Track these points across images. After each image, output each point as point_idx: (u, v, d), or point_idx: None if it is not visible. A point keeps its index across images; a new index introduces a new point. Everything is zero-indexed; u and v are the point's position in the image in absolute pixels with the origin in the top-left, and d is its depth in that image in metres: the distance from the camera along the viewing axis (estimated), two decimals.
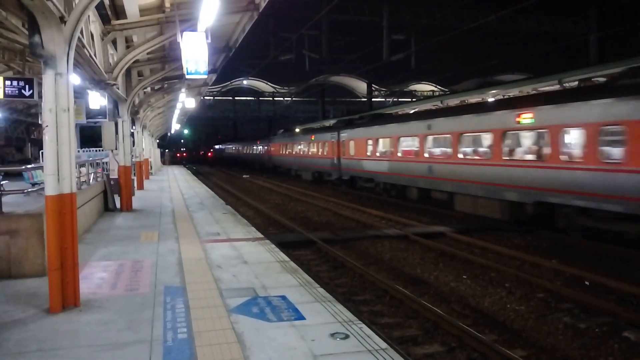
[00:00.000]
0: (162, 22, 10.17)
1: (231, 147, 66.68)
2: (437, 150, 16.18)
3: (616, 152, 9.92)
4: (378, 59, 32.34)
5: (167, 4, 9.76)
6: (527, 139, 12.74)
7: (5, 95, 10.69)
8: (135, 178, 17.99)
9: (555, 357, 5.45)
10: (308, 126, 40.30)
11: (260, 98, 67.90)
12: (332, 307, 5.33)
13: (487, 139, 13.55)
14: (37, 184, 11.79)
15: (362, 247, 10.89)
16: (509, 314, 6.72)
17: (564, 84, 16.86)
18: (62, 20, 5.06)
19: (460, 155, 14.39)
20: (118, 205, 13.83)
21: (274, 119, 66.32)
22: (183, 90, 17.65)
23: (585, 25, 31.40)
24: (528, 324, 6.38)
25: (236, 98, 68.39)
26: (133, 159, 16.70)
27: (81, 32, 7.55)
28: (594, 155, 10.10)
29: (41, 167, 10.68)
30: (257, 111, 69.09)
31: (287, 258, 7.72)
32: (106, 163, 15.89)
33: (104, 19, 10.18)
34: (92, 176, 13.59)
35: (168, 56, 13.57)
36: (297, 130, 37.58)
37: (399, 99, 59.87)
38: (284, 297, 5.65)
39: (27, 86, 10.75)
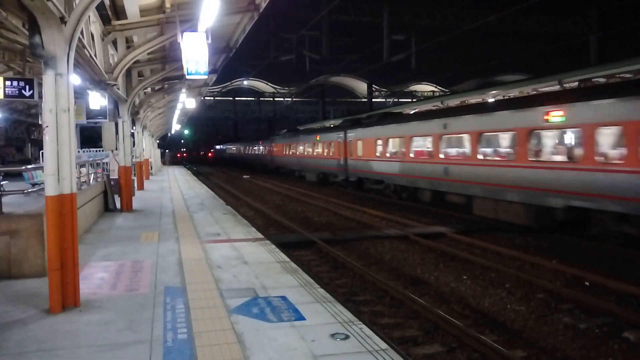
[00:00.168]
0: (162, 22, 10.17)
1: (232, 148, 65.70)
2: (454, 151, 15.31)
3: None
4: (378, 59, 32.39)
5: (168, 5, 9.77)
6: (557, 139, 11.79)
7: (5, 95, 10.71)
8: (135, 178, 18.00)
9: (555, 358, 5.45)
10: (312, 126, 39.58)
11: (261, 98, 67.99)
12: (332, 307, 5.33)
13: (511, 138, 12.71)
14: (37, 184, 11.80)
15: (362, 248, 10.88)
16: (509, 315, 6.72)
17: (564, 85, 16.87)
18: (63, 20, 5.06)
19: (480, 156, 13.51)
20: (118, 205, 13.83)
21: (274, 120, 66.37)
22: (183, 90, 17.66)
23: (585, 26, 31.42)
24: (528, 324, 6.38)
25: (236, 98, 68.50)
26: (133, 159, 16.71)
27: (81, 33, 7.55)
28: (636, 157, 9.32)
29: (41, 168, 10.69)
30: (257, 111, 69.19)
31: (287, 258, 7.72)
32: (106, 163, 15.90)
33: (105, 20, 10.19)
34: (92, 176, 13.60)
35: (168, 56, 13.58)
36: (301, 130, 36.81)
37: (400, 100, 59.91)
38: (284, 298, 5.65)
39: (27, 86, 10.77)
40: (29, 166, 14.02)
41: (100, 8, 9.50)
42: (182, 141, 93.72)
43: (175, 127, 45.20)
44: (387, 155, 19.15)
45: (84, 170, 12.50)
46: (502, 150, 13.36)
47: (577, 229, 11.29)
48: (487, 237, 11.62)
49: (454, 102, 22.52)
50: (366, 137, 21.12)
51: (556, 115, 11.07)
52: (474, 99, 21.23)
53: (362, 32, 40.30)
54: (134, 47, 10.76)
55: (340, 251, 10.33)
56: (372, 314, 6.74)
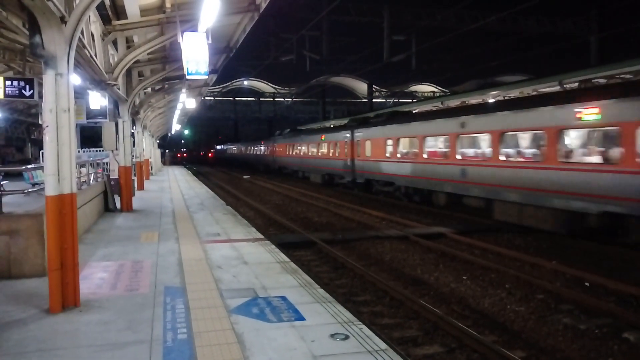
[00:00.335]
0: (162, 22, 10.17)
1: (234, 148, 65.10)
2: (473, 151, 14.49)
3: None
4: (379, 59, 32.42)
5: (168, 5, 9.77)
6: (592, 139, 10.97)
7: (5, 95, 10.71)
8: (135, 178, 18.00)
9: (555, 358, 5.45)
10: (317, 125, 38.83)
11: (261, 98, 68.00)
12: (332, 307, 5.33)
13: (538, 138, 11.90)
14: (37, 184, 11.81)
15: (362, 248, 10.88)
16: (509, 315, 6.72)
17: (565, 85, 16.87)
18: (63, 20, 5.07)
19: (502, 157, 12.62)
20: (118, 205, 13.84)
21: (274, 120, 66.37)
22: (183, 90, 17.67)
23: (585, 26, 31.43)
24: (528, 324, 6.38)
25: (237, 98, 68.51)
26: (133, 160, 16.72)
27: (82, 33, 7.55)
28: None
29: (41, 167, 10.69)
30: (257, 112, 69.19)
31: (287, 259, 7.72)
32: (106, 163, 15.91)
33: (105, 19, 10.19)
34: (92, 176, 13.60)
35: (169, 56, 13.58)
36: (306, 129, 36.01)
37: (400, 100, 59.93)
38: (284, 298, 5.65)
39: (27, 86, 10.77)
40: (29, 166, 14.04)
41: (101, 8, 9.50)
42: (182, 141, 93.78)
43: (176, 127, 45.21)
44: (398, 155, 18.23)
45: (84, 170, 12.50)
46: (527, 150, 12.53)
47: (612, 236, 10.53)
48: (487, 238, 11.62)
49: (454, 102, 22.35)
50: (375, 136, 20.23)
51: (591, 113, 10.19)
52: (474, 100, 21.22)
53: (363, 33, 40.39)
54: (134, 47, 10.76)
55: (340, 251, 10.33)
56: (372, 314, 6.73)
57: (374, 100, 50.47)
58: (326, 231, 12.75)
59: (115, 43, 11.17)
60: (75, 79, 11.03)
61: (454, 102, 22.10)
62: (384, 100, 62.02)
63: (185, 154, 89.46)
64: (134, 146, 18.55)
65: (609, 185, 9.76)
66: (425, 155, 16.27)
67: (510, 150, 12.88)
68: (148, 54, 11.95)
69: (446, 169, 14.92)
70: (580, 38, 31.43)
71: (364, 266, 9.10)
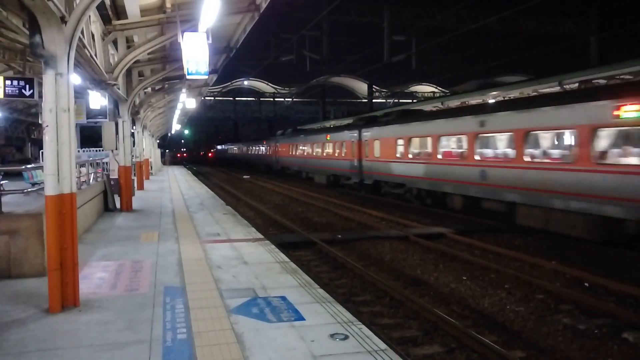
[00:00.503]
0: (163, 22, 10.18)
1: (234, 148, 64.11)
2: (494, 152, 13.76)
3: None
4: (379, 59, 32.42)
5: (168, 5, 9.78)
6: (632, 138, 10.11)
7: (5, 95, 10.70)
8: (135, 178, 18.00)
9: (555, 358, 5.45)
10: (322, 124, 38.02)
11: (261, 99, 68.04)
12: (332, 307, 5.33)
13: (568, 137, 11.14)
14: (37, 183, 11.80)
15: (362, 248, 10.88)
16: (509, 315, 6.72)
17: (565, 86, 16.88)
18: (63, 20, 5.07)
19: (527, 158, 11.80)
20: (118, 205, 13.84)
21: (274, 120, 66.36)
22: (184, 90, 17.67)
23: (586, 27, 31.44)
24: (528, 325, 6.38)
25: (237, 98, 68.54)
26: (133, 159, 16.71)
27: (82, 32, 7.55)
28: None
29: (41, 167, 10.69)
30: (257, 112, 69.22)
31: (287, 259, 7.73)
32: (106, 163, 15.90)
33: (105, 19, 10.19)
34: (92, 176, 13.60)
35: (169, 56, 13.59)
36: (310, 129, 35.18)
37: (400, 100, 59.95)
38: (283, 298, 5.65)
39: (27, 86, 10.76)
40: (29, 166, 14.04)
41: (101, 8, 9.50)
42: (182, 141, 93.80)
43: (176, 127, 45.22)
44: (410, 156, 17.34)
45: (83, 170, 12.50)
46: (556, 151, 11.84)
47: None
48: (487, 238, 11.61)
49: (454, 103, 22.24)
50: (385, 136, 19.32)
51: (631, 110, 9.35)
52: (474, 100, 21.21)
53: (363, 33, 40.42)
54: (134, 47, 10.77)
55: (340, 251, 10.33)
56: (372, 315, 6.73)
57: (373, 100, 50.47)
58: (326, 231, 12.75)
59: (115, 43, 11.17)
60: (75, 79, 11.03)
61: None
62: (384, 100, 62.05)
63: (185, 154, 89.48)
64: (133, 146, 18.55)
65: None
66: (439, 156, 15.45)
67: (536, 151, 12.16)
68: (148, 53, 11.95)
69: (463, 170, 14.10)
70: (580, 38, 31.44)
71: (363, 266, 9.10)
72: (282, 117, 66.20)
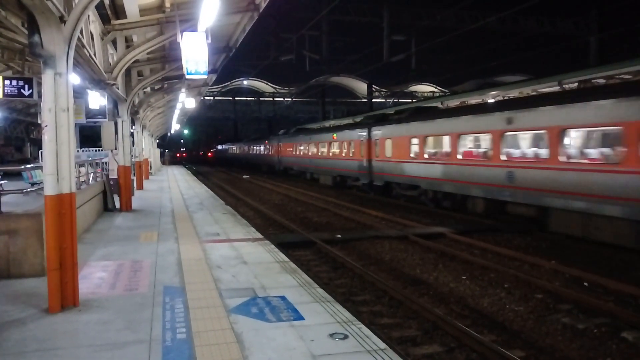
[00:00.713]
0: (162, 22, 10.17)
1: (235, 147, 63.32)
2: (523, 151, 12.75)
3: None
4: (378, 59, 32.39)
5: (167, 4, 9.77)
6: None
7: (4, 94, 10.69)
8: (134, 178, 18.00)
9: (554, 358, 5.45)
10: (327, 123, 37.19)
11: (261, 98, 68.01)
12: (331, 307, 5.33)
13: (615, 135, 10.14)
14: (36, 183, 11.81)
15: (362, 248, 10.88)
16: (508, 315, 6.72)
17: (564, 86, 16.88)
18: (62, 20, 5.06)
19: (563, 158, 10.89)
20: (117, 205, 13.83)
21: (274, 120, 66.33)
22: (183, 90, 17.66)
23: (585, 27, 31.44)
24: (527, 324, 6.38)
25: (236, 98, 68.50)
26: (133, 159, 16.70)
27: (81, 32, 7.55)
28: None
29: (40, 167, 10.68)
30: (257, 111, 69.19)
31: (286, 258, 7.73)
32: (106, 163, 15.89)
33: (104, 19, 10.19)
34: (91, 176, 13.59)
35: (168, 56, 13.58)
36: (315, 128, 34.32)
37: (400, 100, 59.98)
38: (283, 298, 5.65)
39: (26, 86, 10.75)
40: (28, 166, 14.03)
41: (100, 7, 9.50)
42: (182, 141, 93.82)
43: (175, 126, 45.22)
44: (425, 156, 16.34)
45: (83, 169, 12.49)
46: (600, 150, 10.78)
47: None
48: (486, 238, 11.61)
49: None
50: (397, 135, 18.29)
51: None
52: (474, 100, 21.19)
53: (362, 33, 40.41)
54: (133, 47, 10.77)
55: (340, 251, 10.33)
56: (371, 314, 6.74)
57: (373, 100, 50.49)
58: (326, 231, 12.75)
59: (114, 42, 11.17)
60: (75, 79, 11.02)
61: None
62: (383, 100, 62.09)
63: (184, 154, 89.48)
64: (133, 146, 18.54)
65: None
66: (459, 156, 14.51)
67: (574, 150, 11.21)
68: (147, 53, 11.95)
69: (487, 171, 13.14)
70: (580, 38, 31.45)
71: (363, 266, 9.10)
72: (281, 117, 66.19)
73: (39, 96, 9.47)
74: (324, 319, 4.96)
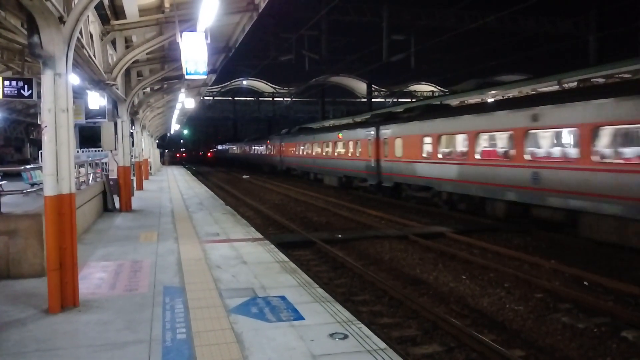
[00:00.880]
0: (161, 22, 10.18)
1: (235, 148, 62.42)
2: (550, 151, 11.96)
3: None
4: (378, 59, 32.40)
5: (167, 5, 9.78)
6: None
7: (4, 95, 10.70)
8: (134, 178, 18.00)
9: (554, 357, 5.45)
10: (332, 122, 36.63)
11: (260, 98, 68.07)
12: (331, 307, 5.33)
13: None
14: (36, 184, 11.80)
15: (361, 248, 10.88)
16: (508, 314, 6.72)
17: (563, 85, 16.90)
18: (61, 20, 5.06)
19: (596, 158, 10.06)
20: (117, 205, 13.83)
21: (273, 120, 66.34)
22: (182, 90, 17.67)
23: (585, 26, 31.45)
24: (527, 324, 6.38)
25: (236, 98, 68.59)
26: (132, 159, 16.71)
27: (80, 33, 7.55)
28: None
29: (40, 168, 10.68)
30: (256, 111, 69.23)
31: (286, 258, 7.73)
32: (105, 163, 15.90)
33: (103, 19, 10.20)
34: (91, 176, 13.60)
35: (167, 56, 13.58)
36: (319, 127, 33.68)
37: (399, 99, 60.00)
38: (283, 298, 5.65)
39: (26, 86, 10.76)
40: (28, 166, 14.02)
41: (99, 8, 9.51)
42: (182, 141, 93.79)
43: (175, 127, 45.21)
44: (440, 156, 15.52)
45: (82, 170, 12.49)
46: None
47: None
48: (486, 237, 11.61)
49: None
50: (409, 133, 17.44)
51: None
52: (473, 99, 21.19)
53: (362, 32, 40.40)
54: (133, 47, 10.77)
55: (340, 251, 10.33)
56: (371, 314, 6.74)
57: (372, 100, 50.50)
58: (325, 231, 12.75)
59: (114, 43, 11.17)
60: (74, 79, 11.03)
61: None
62: (383, 100, 62.12)
63: (184, 154, 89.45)
64: (132, 146, 18.53)
65: None
66: (477, 156, 13.71)
67: (610, 149, 10.34)
68: (147, 53, 11.95)
69: (509, 172, 12.32)
70: (579, 38, 31.47)
71: (363, 266, 9.10)
72: (281, 117, 66.23)
73: (39, 97, 9.48)
74: (324, 319, 4.97)
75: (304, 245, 10.92)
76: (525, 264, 9.30)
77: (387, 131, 19.28)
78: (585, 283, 8.02)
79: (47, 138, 5.11)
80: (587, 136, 10.19)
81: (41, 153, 12.98)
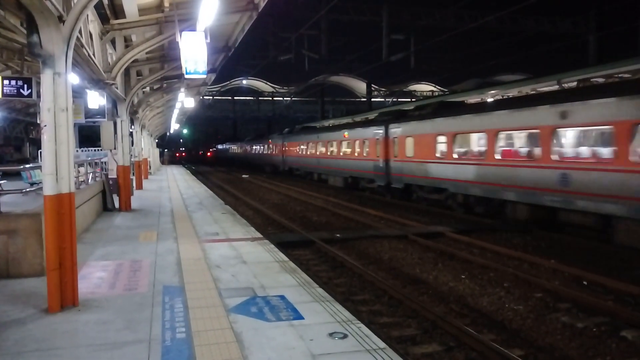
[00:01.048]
0: (161, 21, 10.17)
1: (236, 147, 61.52)
2: (581, 150, 11.21)
3: None
4: (377, 59, 32.41)
5: (166, 4, 9.76)
6: None
7: (3, 94, 10.67)
8: (134, 178, 17.99)
9: (554, 357, 5.46)
10: (338, 121, 35.83)
11: (260, 98, 68.06)
12: (330, 306, 5.33)
13: None
14: (35, 183, 11.81)
15: (361, 247, 10.89)
16: (508, 314, 6.73)
17: (563, 84, 16.90)
18: (61, 19, 5.06)
19: (635, 158, 9.40)
20: (117, 205, 13.82)
21: (273, 119, 66.32)
22: (182, 89, 17.67)
23: (584, 26, 31.48)
24: (526, 323, 6.39)
25: (235, 98, 68.56)
26: (132, 159, 16.70)
27: (80, 32, 7.54)
28: None
29: (39, 167, 10.66)
30: (256, 111, 69.25)
31: (286, 258, 7.73)
32: (105, 163, 15.89)
33: (103, 19, 10.18)
34: (90, 176, 13.59)
35: (167, 56, 13.57)
36: (323, 126, 32.88)
37: (399, 99, 60.01)
38: (282, 297, 5.65)
39: (25, 85, 10.74)
40: (27, 165, 14.02)
41: (99, 7, 9.50)
42: (181, 140, 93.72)
43: (174, 126, 45.19)
44: (455, 156, 14.83)
45: (82, 169, 12.49)
46: None
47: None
48: (485, 237, 11.61)
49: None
50: (421, 132, 16.67)
51: None
52: (472, 99, 21.19)
53: (361, 32, 40.43)
54: (132, 46, 10.76)
55: (339, 251, 10.33)
56: (371, 313, 6.74)
57: (372, 99, 50.49)
58: (325, 230, 12.75)
59: (113, 42, 11.16)
60: (74, 78, 11.02)
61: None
62: (382, 99, 62.13)
63: (184, 154, 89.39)
64: (132, 145, 18.53)
65: None
66: (498, 156, 12.98)
67: None
68: (146, 53, 11.95)
69: (534, 173, 11.63)
70: (579, 37, 31.49)
71: (362, 265, 9.10)
72: (280, 117, 66.22)
73: (38, 96, 9.45)
74: (324, 319, 4.97)
75: (303, 244, 10.92)
76: (525, 263, 9.30)
77: (397, 130, 18.50)
78: (585, 282, 8.02)
79: (46, 137, 5.10)
80: (625, 135, 9.48)
81: (40, 152, 12.97)
